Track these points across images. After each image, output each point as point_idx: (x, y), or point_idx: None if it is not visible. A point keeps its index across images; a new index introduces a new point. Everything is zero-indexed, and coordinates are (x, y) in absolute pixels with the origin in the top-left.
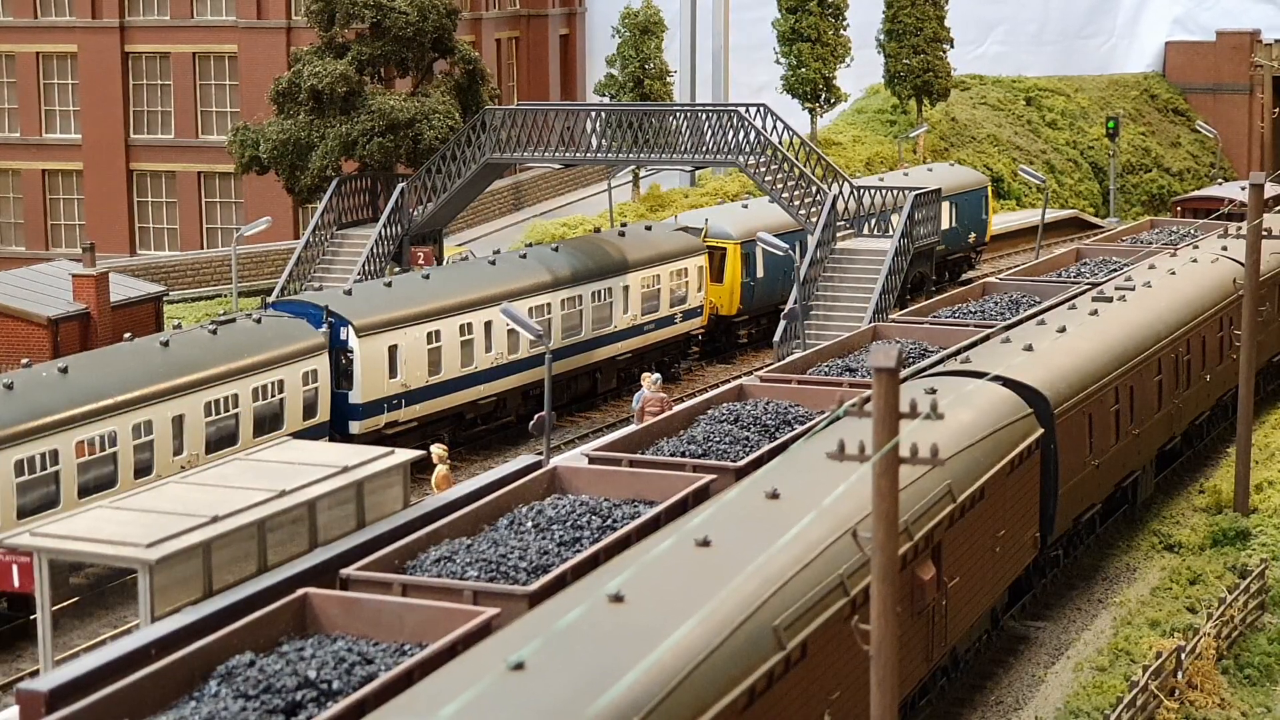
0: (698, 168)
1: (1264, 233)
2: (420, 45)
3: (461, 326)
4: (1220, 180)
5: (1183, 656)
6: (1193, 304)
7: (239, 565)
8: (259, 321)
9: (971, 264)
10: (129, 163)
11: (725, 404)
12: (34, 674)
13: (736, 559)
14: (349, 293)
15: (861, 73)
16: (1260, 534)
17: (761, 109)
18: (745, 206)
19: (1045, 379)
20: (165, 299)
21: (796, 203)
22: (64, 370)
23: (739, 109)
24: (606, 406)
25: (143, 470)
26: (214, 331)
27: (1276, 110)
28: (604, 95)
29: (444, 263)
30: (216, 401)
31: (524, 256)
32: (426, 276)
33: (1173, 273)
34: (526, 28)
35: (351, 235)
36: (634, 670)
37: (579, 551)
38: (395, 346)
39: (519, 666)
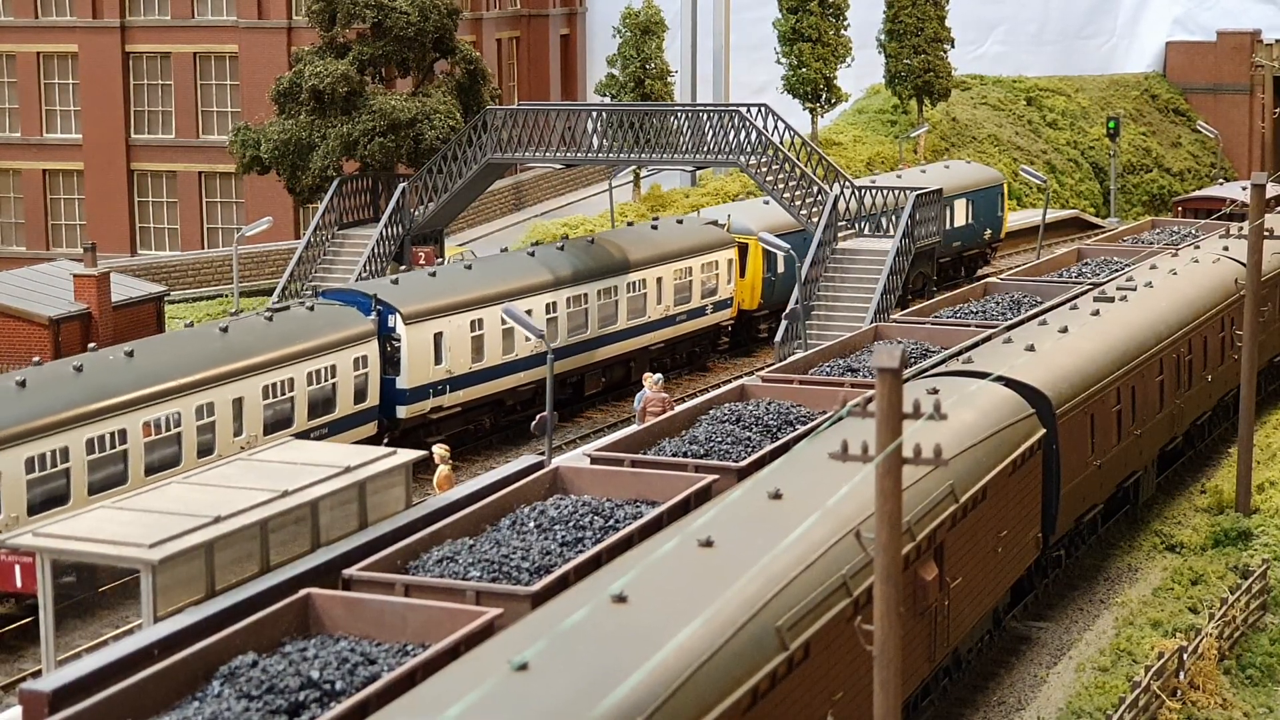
0: (699, 168)
1: (1265, 233)
2: (421, 45)
3: (502, 315)
4: (1221, 180)
5: (1185, 657)
6: (1194, 304)
7: (241, 565)
8: (312, 309)
9: (987, 260)
10: (130, 163)
11: (727, 404)
12: (36, 674)
13: (739, 559)
14: (396, 281)
15: (862, 73)
16: (1262, 534)
17: (762, 109)
18: (767, 203)
19: (1047, 379)
20: (166, 299)
21: (797, 203)
22: (130, 354)
23: (740, 109)
24: (608, 406)
25: (205, 451)
26: (270, 318)
27: (1277, 110)
28: (605, 95)
29: (444, 262)
30: (273, 385)
31: (561, 249)
32: (469, 267)
33: (1174, 273)
34: (527, 28)
35: (352, 235)
36: (637, 671)
37: (581, 552)
38: (440, 334)
39: (522, 667)
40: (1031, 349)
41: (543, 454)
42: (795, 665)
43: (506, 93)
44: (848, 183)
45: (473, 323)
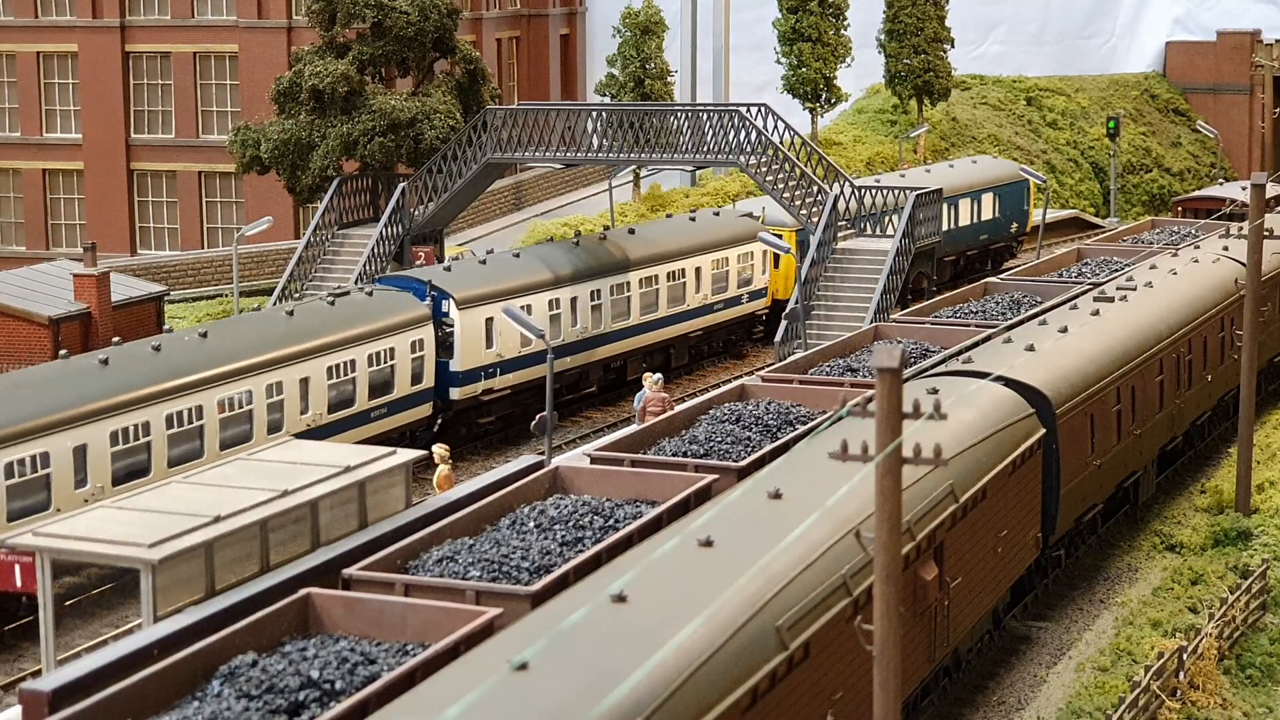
0: (699, 167)
1: (1265, 233)
2: (421, 45)
3: (550, 302)
4: (1221, 180)
5: (1184, 656)
6: (1194, 304)
7: (241, 565)
8: (371, 294)
9: (1013, 252)
10: (129, 162)
11: (727, 404)
12: (36, 674)
13: (739, 559)
14: (449, 269)
15: (862, 73)
16: (1261, 534)
17: (762, 109)
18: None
19: (1047, 379)
20: (166, 299)
21: (797, 203)
22: (204, 335)
23: (740, 109)
24: (608, 406)
25: (274, 428)
26: (332, 303)
27: (1277, 110)
28: (604, 95)
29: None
30: (336, 366)
31: (603, 239)
32: (517, 255)
33: (1174, 273)
34: (527, 27)
35: (352, 235)
36: (637, 671)
37: (581, 552)
38: (491, 319)
39: (522, 667)
40: (1031, 349)
41: (543, 454)
42: (795, 665)
43: (506, 93)
44: (847, 182)
45: (522, 308)
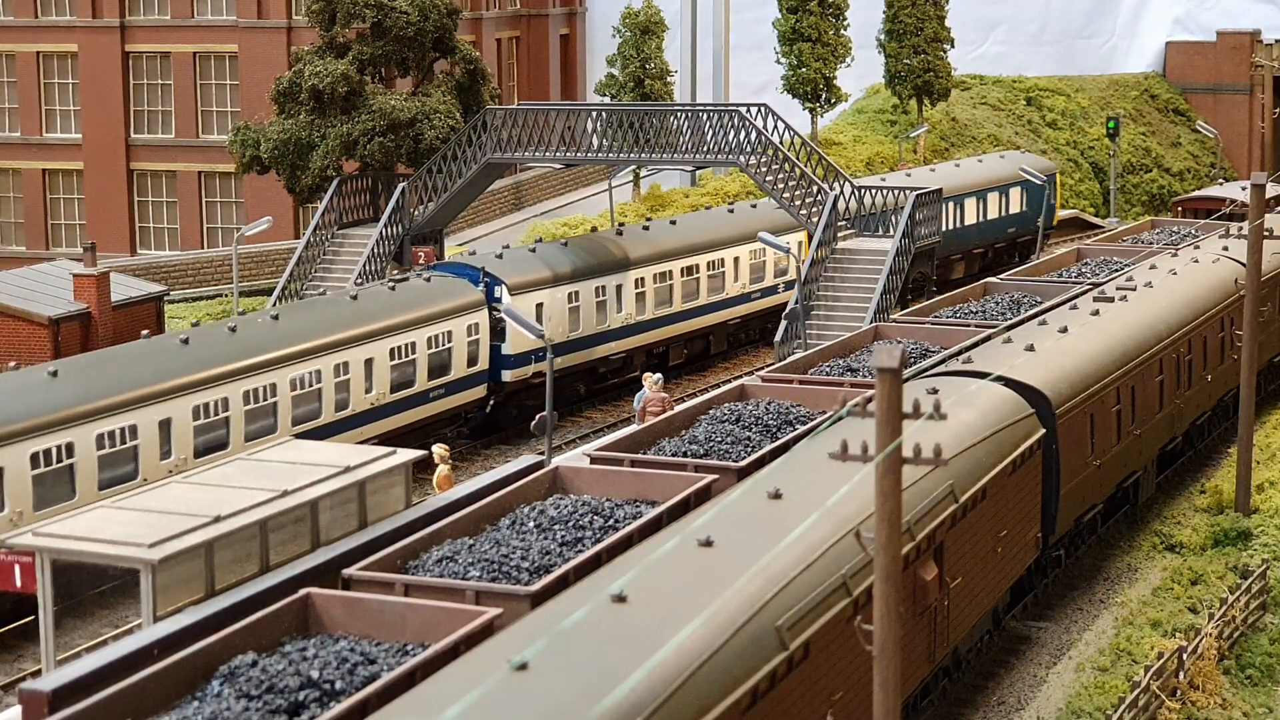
0: (698, 168)
1: (1265, 233)
2: (421, 45)
3: (596, 289)
4: (1221, 180)
5: (1184, 657)
6: (1194, 304)
7: (241, 565)
8: (429, 280)
9: (1039, 245)
10: (129, 162)
11: (727, 404)
12: (36, 674)
13: (739, 559)
14: (500, 256)
15: (862, 73)
16: (1261, 534)
17: (762, 109)
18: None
19: (1047, 379)
20: (166, 299)
21: (797, 203)
22: (275, 317)
23: (740, 109)
24: (607, 406)
25: (341, 406)
26: (393, 288)
27: (1277, 110)
28: (604, 95)
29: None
30: (398, 348)
31: (646, 229)
32: (565, 244)
33: (1174, 273)
34: (527, 28)
35: (352, 235)
36: (637, 671)
37: (581, 552)
38: (541, 304)
39: (522, 667)
40: (1031, 349)
41: (542, 454)
42: (795, 665)
43: (506, 92)
44: (846, 182)
45: (570, 295)
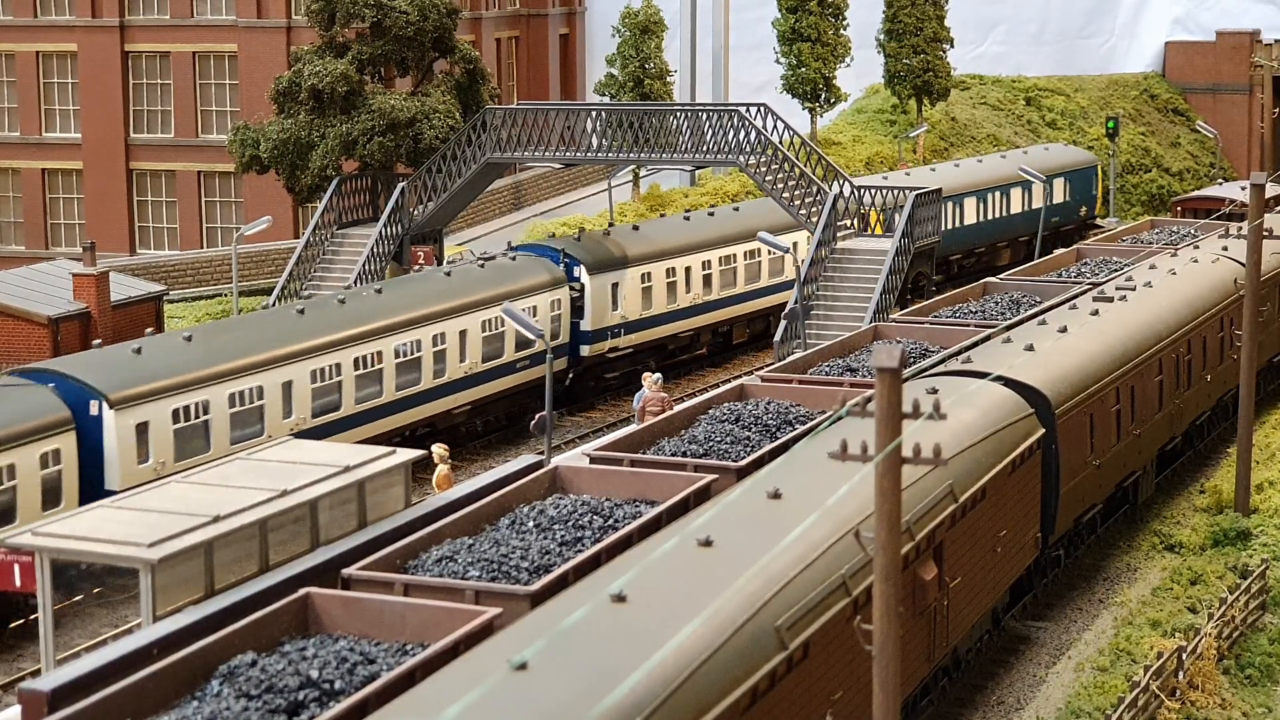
0: (698, 167)
1: (1265, 233)
2: (420, 45)
3: (667, 270)
4: (1220, 180)
5: (1184, 656)
6: (1193, 304)
7: (240, 565)
8: (514, 259)
9: (1083, 234)
10: (129, 162)
11: (726, 404)
12: (36, 674)
13: (738, 559)
14: (578, 239)
15: (861, 72)
16: (1261, 534)
17: (761, 109)
18: (885, 177)
19: (1046, 379)
20: (165, 298)
21: (797, 202)
22: (379, 291)
23: (739, 109)
24: (606, 406)
25: (439, 374)
26: (482, 265)
27: (1276, 110)
28: (604, 95)
29: (444, 262)
30: (489, 321)
31: (711, 214)
32: (636, 228)
33: (1173, 273)
34: (526, 27)
35: (352, 235)
36: (637, 671)
37: (581, 551)
38: (616, 284)
39: (522, 667)
40: (1031, 349)
41: (542, 453)
42: (794, 665)
43: (506, 92)
44: (846, 182)
45: (642, 275)
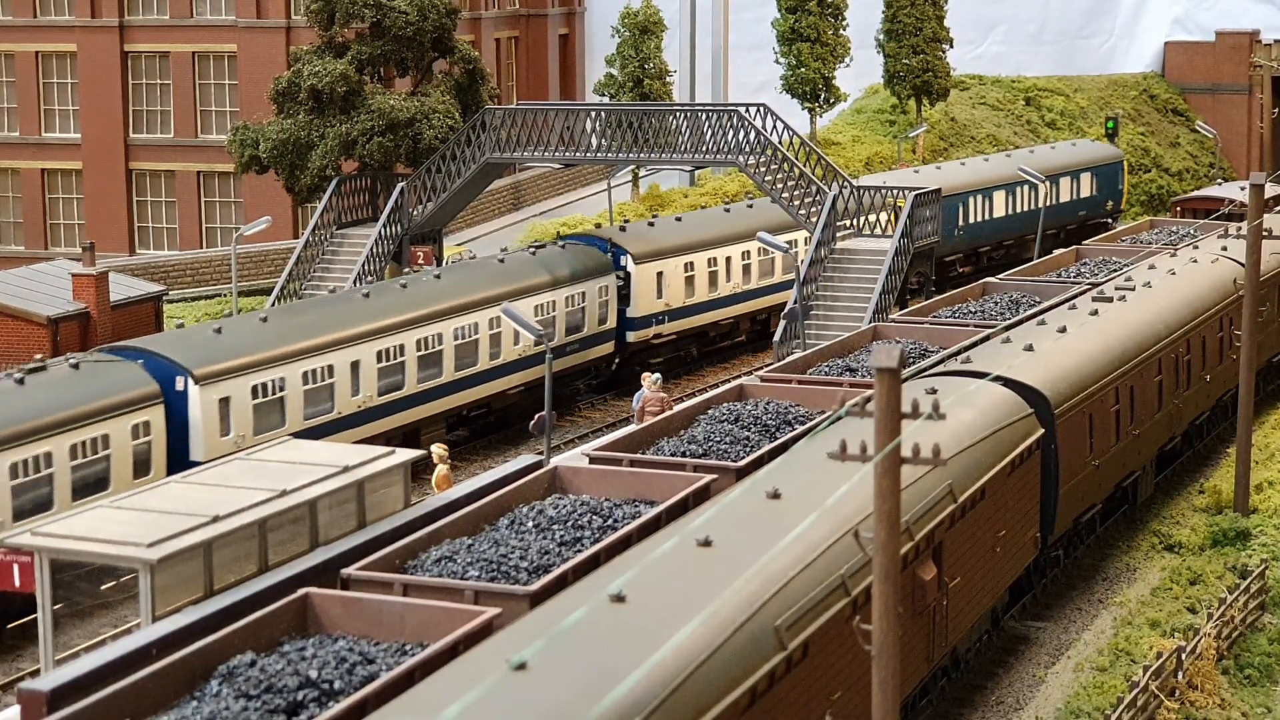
0: (697, 167)
1: (1264, 233)
2: (420, 45)
3: (709, 260)
4: (1220, 180)
5: (1183, 657)
6: (1193, 304)
7: (240, 565)
8: (564, 248)
9: (1109, 226)
10: (128, 162)
11: (725, 404)
12: (35, 673)
13: (738, 559)
14: (623, 229)
15: (861, 72)
16: (1260, 534)
17: (761, 109)
18: (916, 171)
19: (1046, 379)
20: (165, 298)
21: (796, 203)
22: (438, 276)
23: (739, 109)
24: (606, 406)
25: (494, 356)
26: (534, 253)
27: (1276, 110)
28: (603, 95)
29: (444, 263)
30: (541, 305)
31: (750, 206)
32: (679, 219)
33: (1173, 273)
34: (526, 27)
35: (351, 235)
36: (636, 671)
37: (580, 551)
38: (661, 273)
39: (521, 667)
40: (1030, 349)
41: (541, 453)
42: (794, 665)
43: (505, 92)
44: (846, 182)
45: (686, 264)
